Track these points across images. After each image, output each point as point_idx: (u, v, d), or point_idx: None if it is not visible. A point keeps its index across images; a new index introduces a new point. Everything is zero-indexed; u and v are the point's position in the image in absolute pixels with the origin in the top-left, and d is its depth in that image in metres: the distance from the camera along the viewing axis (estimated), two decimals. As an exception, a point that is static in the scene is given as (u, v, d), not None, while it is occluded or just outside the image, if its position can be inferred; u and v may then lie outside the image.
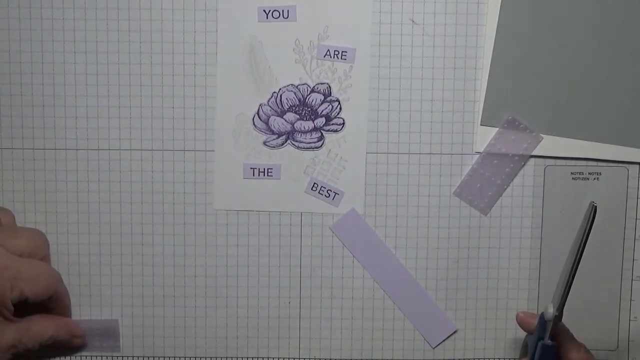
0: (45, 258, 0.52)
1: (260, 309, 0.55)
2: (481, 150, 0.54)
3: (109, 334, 0.55)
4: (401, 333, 0.55)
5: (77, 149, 0.54)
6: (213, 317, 0.55)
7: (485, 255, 0.55)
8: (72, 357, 0.55)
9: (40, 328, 0.51)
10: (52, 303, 0.52)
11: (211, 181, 0.54)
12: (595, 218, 0.46)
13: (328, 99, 0.54)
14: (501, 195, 0.54)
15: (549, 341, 0.47)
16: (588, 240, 0.46)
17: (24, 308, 0.50)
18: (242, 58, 0.53)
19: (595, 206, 0.46)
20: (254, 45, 0.53)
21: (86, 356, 0.55)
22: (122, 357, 0.56)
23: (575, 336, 0.49)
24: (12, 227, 0.53)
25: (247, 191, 0.54)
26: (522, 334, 0.53)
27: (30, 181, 0.54)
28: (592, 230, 0.47)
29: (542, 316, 0.48)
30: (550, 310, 0.47)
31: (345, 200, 0.54)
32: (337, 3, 0.53)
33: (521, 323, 0.51)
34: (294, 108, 0.54)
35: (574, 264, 0.46)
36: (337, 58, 0.53)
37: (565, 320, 0.48)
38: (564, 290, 0.46)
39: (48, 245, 0.53)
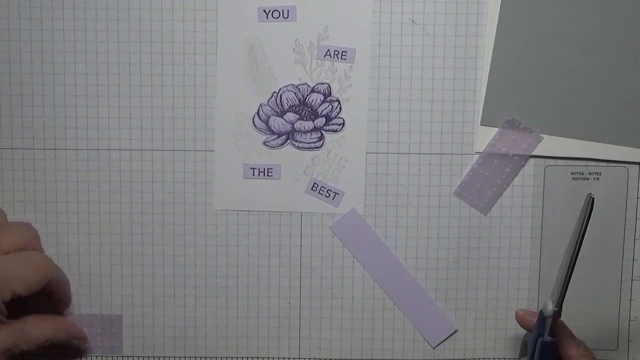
0: (37, 250, 0.51)
1: (260, 309, 0.55)
2: (481, 150, 0.54)
3: (112, 331, 0.55)
4: (401, 333, 0.55)
5: (77, 149, 0.54)
6: (213, 317, 0.55)
7: (485, 255, 0.55)
8: (73, 357, 0.56)
9: (36, 330, 0.49)
10: (49, 289, 0.50)
11: (211, 181, 0.54)
12: (596, 216, 0.46)
13: (328, 99, 0.54)
14: (501, 195, 0.54)
15: (549, 337, 0.47)
16: (588, 238, 0.46)
17: (19, 306, 0.49)
18: (242, 58, 0.53)
19: (593, 198, 0.46)
20: (254, 45, 0.53)
21: (87, 356, 0.55)
22: (122, 357, 0.56)
23: (575, 335, 0.49)
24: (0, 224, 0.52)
25: (247, 191, 0.54)
26: (522, 333, 0.53)
27: (30, 181, 0.54)
28: (592, 231, 0.46)
29: (541, 313, 0.48)
30: (550, 306, 0.47)
31: (345, 200, 0.54)
32: (337, 3, 0.53)
33: (520, 320, 0.51)
34: (294, 108, 0.54)
35: (572, 257, 0.46)
36: (337, 58, 0.53)
37: (565, 320, 0.48)
38: (563, 285, 0.46)
39: (38, 236, 0.52)
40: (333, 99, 0.54)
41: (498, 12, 0.52)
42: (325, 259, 0.55)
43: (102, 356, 0.56)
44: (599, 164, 0.54)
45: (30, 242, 0.50)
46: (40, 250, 0.52)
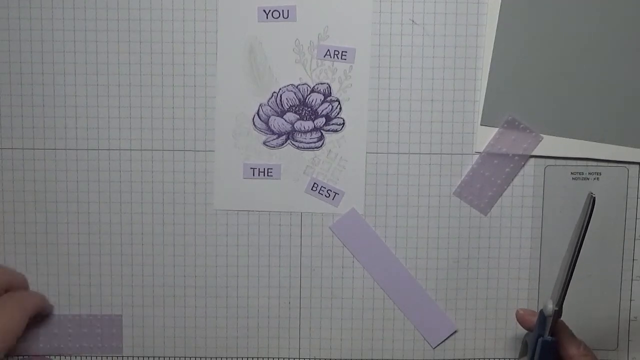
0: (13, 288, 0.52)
1: (260, 309, 0.55)
2: (481, 150, 0.54)
3: (112, 331, 0.55)
4: (401, 333, 0.55)
5: (77, 149, 0.54)
6: (213, 317, 0.55)
7: (485, 255, 0.55)
8: (71, 357, 0.56)
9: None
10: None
11: (211, 181, 0.54)
12: (596, 216, 0.46)
13: (328, 99, 0.54)
14: (501, 195, 0.54)
15: (549, 337, 0.47)
16: (588, 238, 0.46)
17: None
18: (242, 58, 0.53)
19: (594, 197, 0.46)
20: (254, 45, 0.53)
21: (87, 356, 0.56)
22: (122, 357, 0.56)
23: (575, 335, 0.49)
24: None
25: (247, 191, 0.54)
26: (522, 333, 0.53)
27: (30, 181, 0.54)
28: (592, 231, 0.46)
29: (541, 312, 0.48)
30: (550, 306, 0.47)
31: (345, 200, 0.54)
32: (337, 3, 0.53)
33: (520, 320, 0.51)
34: (294, 108, 0.54)
35: (573, 257, 0.46)
36: (337, 58, 0.53)
37: (565, 319, 0.48)
38: (563, 285, 0.46)
39: (15, 275, 0.53)
40: (333, 99, 0.54)
41: (498, 12, 0.52)
42: (325, 259, 0.55)
43: (102, 356, 0.56)
44: (599, 164, 0.54)
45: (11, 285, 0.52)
46: (18, 285, 0.53)
